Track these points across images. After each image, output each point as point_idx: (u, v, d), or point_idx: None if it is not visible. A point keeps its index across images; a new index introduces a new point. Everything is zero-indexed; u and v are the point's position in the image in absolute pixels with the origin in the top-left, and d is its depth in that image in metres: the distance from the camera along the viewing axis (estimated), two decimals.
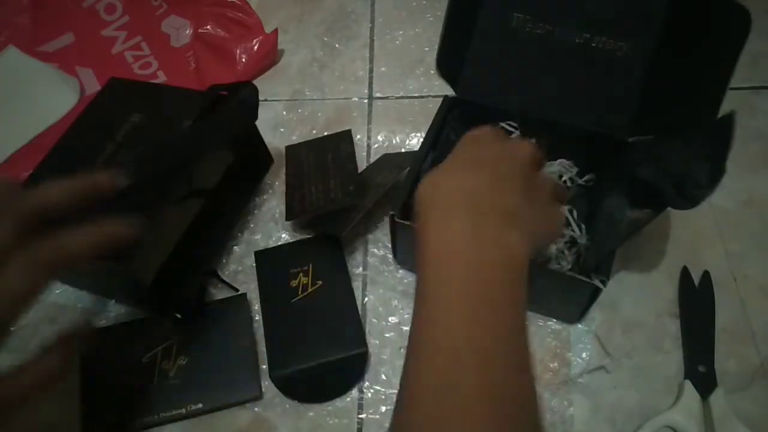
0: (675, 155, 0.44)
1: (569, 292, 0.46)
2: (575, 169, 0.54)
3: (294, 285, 0.53)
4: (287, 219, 0.57)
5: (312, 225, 0.59)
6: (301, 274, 0.54)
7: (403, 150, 0.65)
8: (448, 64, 0.52)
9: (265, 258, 0.56)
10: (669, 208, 0.43)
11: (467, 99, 0.54)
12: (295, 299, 0.52)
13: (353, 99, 0.70)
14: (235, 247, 0.59)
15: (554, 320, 0.51)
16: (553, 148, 0.51)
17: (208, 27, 0.72)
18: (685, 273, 0.53)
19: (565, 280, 0.44)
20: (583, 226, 0.51)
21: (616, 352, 0.50)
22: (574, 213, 0.51)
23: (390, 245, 0.55)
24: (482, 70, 0.53)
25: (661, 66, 0.48)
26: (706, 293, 0.52)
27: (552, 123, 0.51)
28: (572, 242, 0.51)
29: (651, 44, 0.48)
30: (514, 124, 0.54)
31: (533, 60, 0.52)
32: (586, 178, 0.54)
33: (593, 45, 0.50)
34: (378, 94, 0.70)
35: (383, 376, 0.50)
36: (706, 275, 0.53)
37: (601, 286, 0.42)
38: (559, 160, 0.55)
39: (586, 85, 0.51)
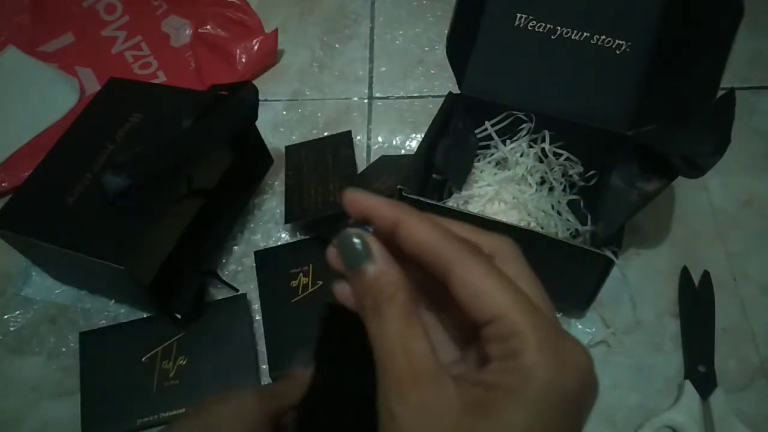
0: (678, 137, 0.44)
1: (579, 270, 0.46)
2: (580, 168, 0.54)
3: (294, 285, 0.53)
4: (286, 222, 0.57)
5: (311, 227, 0.59)
6: (301, 275, 0.54)
7: (402, 151, 0.65)
8: (455, 54, 0.52)
9: (265, 258, 0.56)
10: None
11: (471, 96, 0.54)
12: (295, 299, 0.52)
13: (353, 99, 0.70)
14: (235, 247, 0.59)
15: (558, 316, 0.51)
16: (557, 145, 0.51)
17: (208, 27, 0.72)
18: (685, 273, 0.53)
19: (575, 254, 0.44)
20: (588, 216, 0.51)
21: (616, 353, 0.50)
22: (581, 204, 0.52)
23: None
24: (486, 68, 0.54)
25: (659, 60, 0.49)
26: (706, 293, 0.52)
27: (554, 119, 0.52)
28: (575, 232, 0.51)
29: (650, 41, 0.49)
30: (526, 116, 0.54)
31: (535, 58, 0.52)
32: (589, 174, 0.54)
33: (593, 42, 0.51)
34: (378, 94, 0.70)
35: None
36: (706, 275, 0.53)
37: (612, 257, 0.42)
38: (564, 156, 0.55)
39: (586, 81, 0.51)
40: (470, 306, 0.19)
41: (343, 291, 0.23)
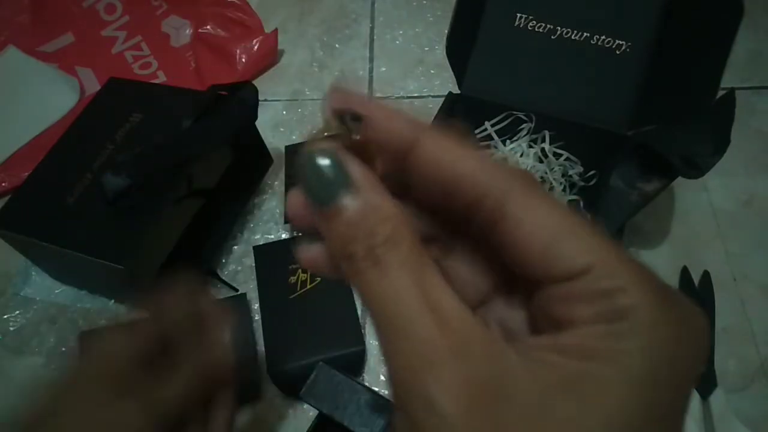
0: (678, 137, 0.44)
1: None
2: (580, 168, 0.54)
3: (293, 281, 0.53)
4: (286, 222, 0.57)
5: (312, 226, 0.59)
6: (299, 271, 0.54)
7: None
8: (455, 54, 0.52)
9: (264, 253, 0.56)
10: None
11: (471, 96, 0.54)
12: (293, 295, 0.52)
13: None
14: (235, 247, 0.59)
15: None
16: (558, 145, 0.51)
17: (208, 27, 0.72)
18: (685, 273, 0.53)
19: None
20: (588, 216, 0.51)
21: None
22: (581, 204, 0.52)
23: None
24: (486, 68, 0.54)
25: (659, 60, 0.49)
26: (706, 293, 0.52)
27: (554, 119, 0.52)
28: None
29: (650, 41, 0.49)
30: (526, 116, 0.54)
31: (535, 58, 0.53)
32: (589, 174, 0.54)
33: (593, 42, 0.51)
34: (378, 94, 0.70)
35: (382, 377, 0.50)
36: (706, 275, 0.53)
37: None
38: (564, 156, 0.55)
39: (586, 81, 0.52)
40: (539, 255, 0.14)
41: (312, 253, 0.16)
